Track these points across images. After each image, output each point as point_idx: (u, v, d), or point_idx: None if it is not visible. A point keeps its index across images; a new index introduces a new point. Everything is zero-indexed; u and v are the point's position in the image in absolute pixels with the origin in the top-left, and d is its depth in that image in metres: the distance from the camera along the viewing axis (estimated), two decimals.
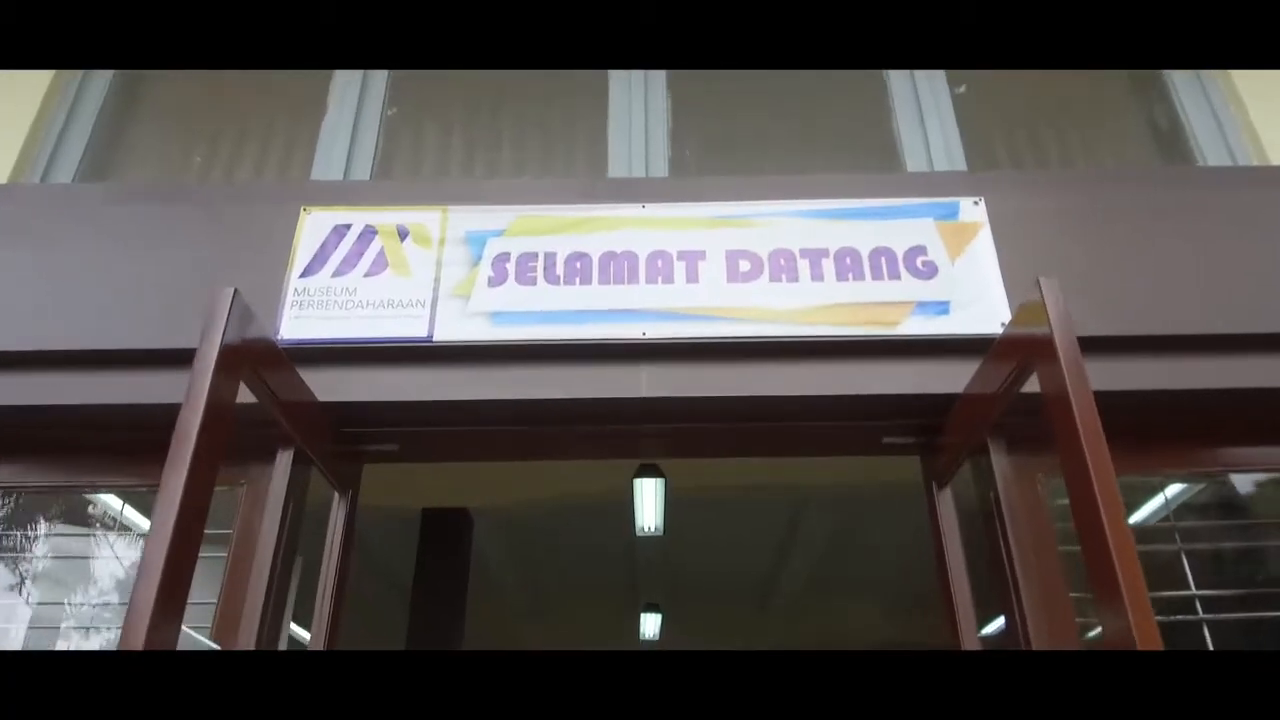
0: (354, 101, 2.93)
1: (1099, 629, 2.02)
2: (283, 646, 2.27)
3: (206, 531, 2.43)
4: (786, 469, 7.43)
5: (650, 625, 11.22)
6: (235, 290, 1.72)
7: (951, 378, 2.19)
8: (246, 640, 2.03)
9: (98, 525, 2.44)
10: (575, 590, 10.90)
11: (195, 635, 2.04)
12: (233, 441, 2.19)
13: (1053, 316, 1.68)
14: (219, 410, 1.64)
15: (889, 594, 10.98)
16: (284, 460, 2.24)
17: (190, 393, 1.59)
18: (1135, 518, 2.40)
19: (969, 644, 2.09)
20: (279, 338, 2.26)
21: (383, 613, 10.30)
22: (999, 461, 2.20)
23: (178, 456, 1.53)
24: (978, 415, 2.12)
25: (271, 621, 2.12)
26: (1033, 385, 1.91)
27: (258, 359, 1.90)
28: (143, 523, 2.42)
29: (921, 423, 2.29)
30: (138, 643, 1.35)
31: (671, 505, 7.53)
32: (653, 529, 7.82)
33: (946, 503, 2.26)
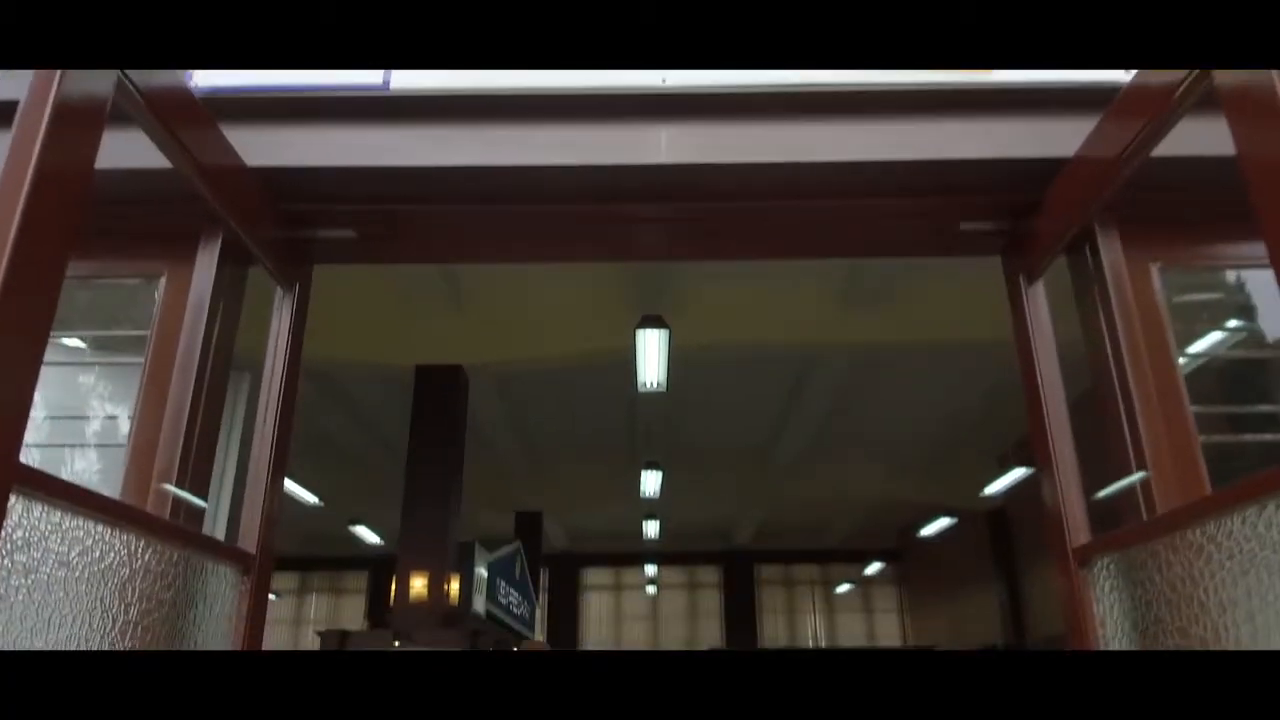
0: None
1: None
2: (217, 480, 1.89)
3: (118, 333, 2.02)
4: (795, 325, 7.09)
5: (650, 482, 11.16)
6: None
7: (1055, 138, 1.71)
8: (165, 467, 1.62)
9: None
10: (575, 448, 10.77)
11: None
12: (133, 217, 1.73)
13: None
14: (71, 153, 1.14)
15: (895, 455, 10.88)
16: (212, 243, 1.78)
17: (21, 119, 1.09)
18: None
19: (1065, 471, 1.70)
20: (192, 85, 1.75)
21: (379, 472, 10.17)
22: (1108, 249, 1.76)
23: None
24: (1091, 186, 1.64)
25: (200, 446, 1.70)
26: (1165, 148, 1.45)
27: (165, 103, 1.41)
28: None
29: (1012, 198, 1.82)
30: None
31: (675, 364, 7.23)
32: (655, 384, 7.56)
33: (1038, 301, 1.82)
